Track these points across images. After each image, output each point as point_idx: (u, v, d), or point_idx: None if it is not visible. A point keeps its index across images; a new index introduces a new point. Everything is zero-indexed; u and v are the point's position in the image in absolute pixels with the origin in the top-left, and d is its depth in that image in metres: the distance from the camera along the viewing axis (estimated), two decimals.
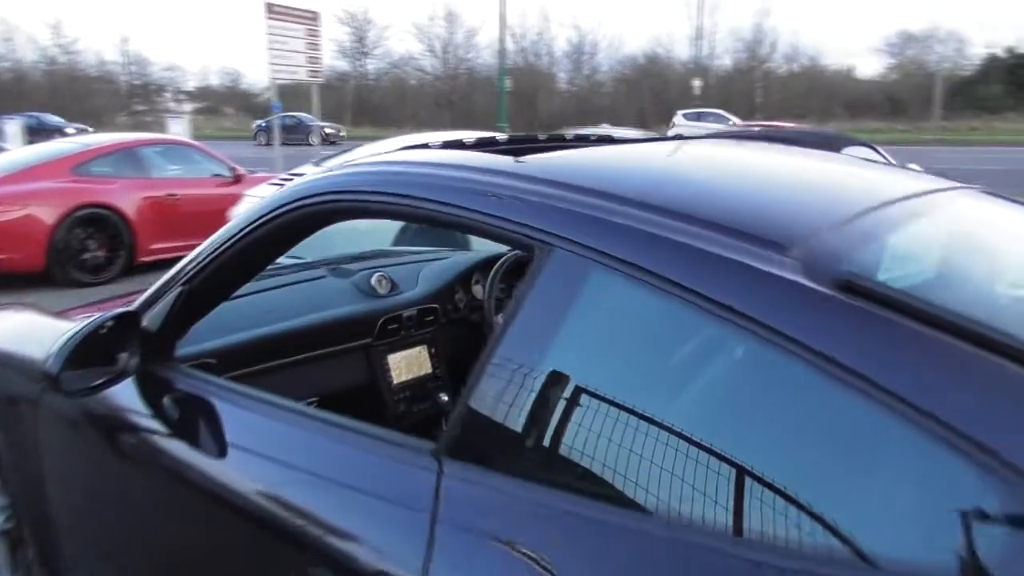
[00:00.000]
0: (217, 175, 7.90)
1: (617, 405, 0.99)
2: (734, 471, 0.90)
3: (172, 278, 1.56)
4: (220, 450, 1.39)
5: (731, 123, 24.07)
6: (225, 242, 1.48)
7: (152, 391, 1.54)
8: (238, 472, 1.35)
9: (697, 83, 34.44)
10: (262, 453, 1.33)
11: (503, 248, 2.66)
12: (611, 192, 1.10)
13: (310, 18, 12.77)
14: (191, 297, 1.53)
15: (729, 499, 0.89)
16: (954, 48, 43.87)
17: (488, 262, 2.41)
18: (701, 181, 1.28)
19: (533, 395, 1.04)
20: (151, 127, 20.43)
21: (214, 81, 54.85)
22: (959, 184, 1.54)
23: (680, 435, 0.93)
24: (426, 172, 1.26)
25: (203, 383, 1.52)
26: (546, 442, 1.02)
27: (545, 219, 1.09)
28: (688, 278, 0.96)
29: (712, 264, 0.96)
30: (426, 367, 2.24)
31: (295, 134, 26.51)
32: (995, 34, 76.87)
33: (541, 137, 1.69)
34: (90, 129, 23.54)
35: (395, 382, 2.15)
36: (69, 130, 23.21)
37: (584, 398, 1.02)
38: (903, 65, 46.32)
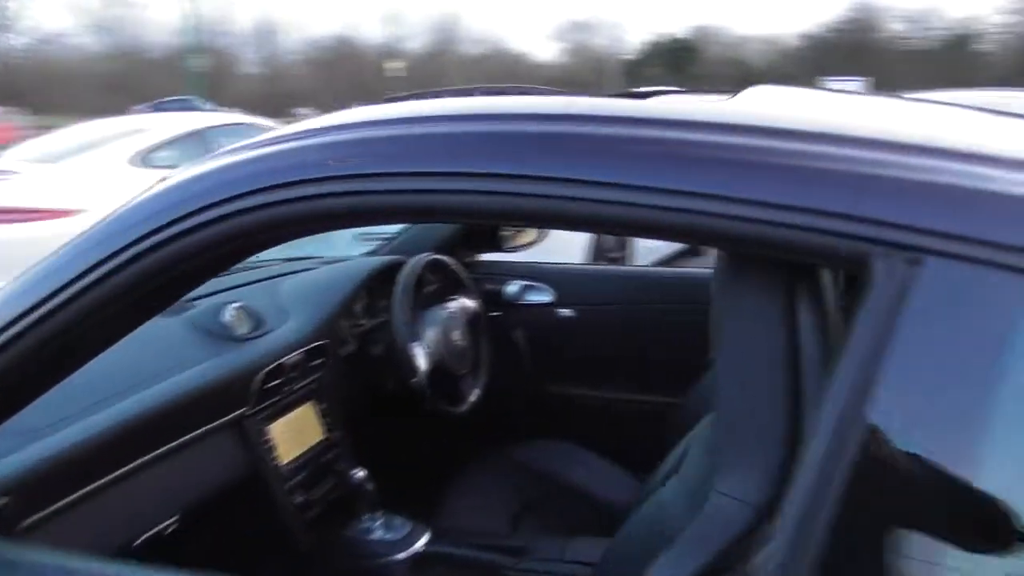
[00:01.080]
0: None
1: None
2: None
3: None
4: None
5: None
6: (52, 295, 0.76)
7: None
8: None
9: (395, 65, 34.23)
10: None
11: (371, 247, 2.02)
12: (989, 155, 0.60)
13: None
14: None
15: None
16: (614, 36, 48.99)
17: (376, 273, 1.76)
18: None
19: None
20: None
21: None
22: None
23: None
24: (587, 133, 0.64)
25: None
26: None
27: (909, 207, 0.56)
28: None
29: None
30: (317, 432, 1.55)
31: None
32: (650, 23, 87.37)
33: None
34: None
35: (284, 463, 1.44)
36: None
37: None
38: (576, 50, 50.52)
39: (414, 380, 1.57)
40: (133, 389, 1.21)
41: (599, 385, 1.94)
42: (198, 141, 5.81)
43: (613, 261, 4.55)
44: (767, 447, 0.70)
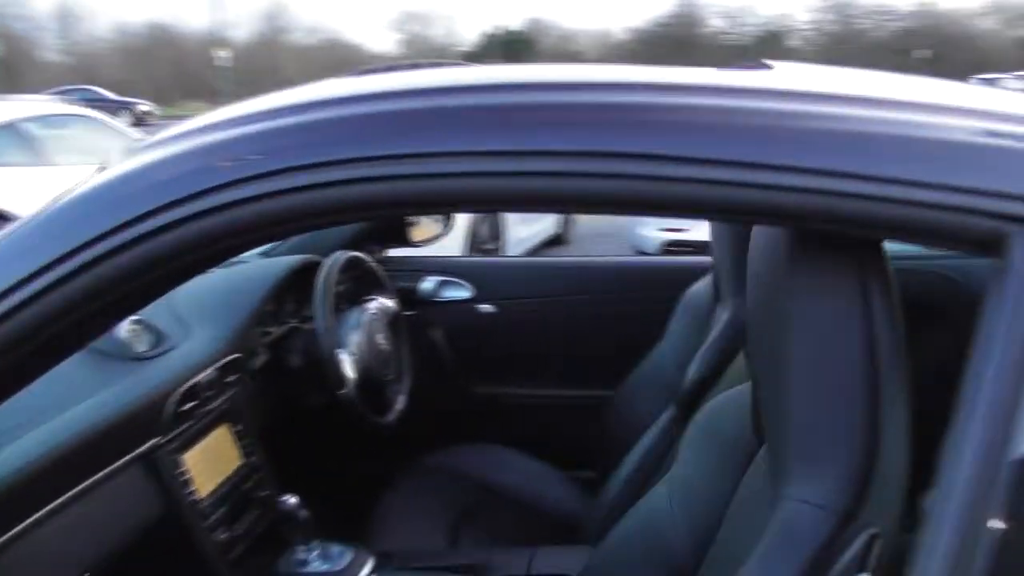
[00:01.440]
0: None
1: None
2: None
3: None
4: None
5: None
6: None
7: None
8: None
9: (223, 54, 32.32)
10: None
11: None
12: None
13: None
14: None
15: None
16: (449, 27, 49.22)
17: (290, 275, 1.57)
18: None
19: None
20: None
21: None
22: None
23: None
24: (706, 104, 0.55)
25: None
26: None
27: None
28: None
29: None
30: (234, 457, 1.36)
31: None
32: (482, 15, 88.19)
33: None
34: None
35: (202, 496, 1.25)
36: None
37: None
38: (412, 41, 50.07)
39: (343, 391, 1.42)
40: (22, 429, 1.00)
41: (524, 382, 1.87)
42: (12, 133, 5.17)
43: (487, 252, 4.49)
44: (846, 448, 0.65)
